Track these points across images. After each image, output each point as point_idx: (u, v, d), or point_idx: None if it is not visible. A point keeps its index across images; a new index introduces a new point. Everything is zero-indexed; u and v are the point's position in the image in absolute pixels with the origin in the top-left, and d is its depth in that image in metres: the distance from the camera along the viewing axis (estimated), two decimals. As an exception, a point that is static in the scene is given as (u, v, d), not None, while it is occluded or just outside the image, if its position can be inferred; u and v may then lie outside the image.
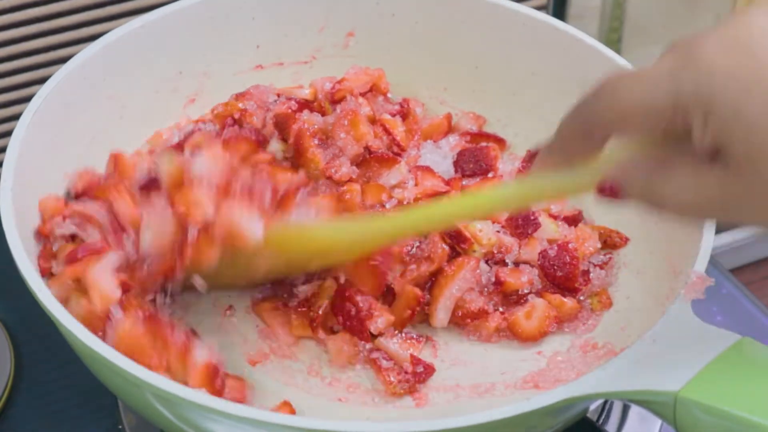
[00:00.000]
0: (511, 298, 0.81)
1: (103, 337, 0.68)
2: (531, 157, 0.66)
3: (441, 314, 0.80)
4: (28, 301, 0.70)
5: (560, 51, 0.89)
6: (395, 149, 0.87)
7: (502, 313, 0.81)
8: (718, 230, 0.75)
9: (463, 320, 0.80)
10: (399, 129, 0.88)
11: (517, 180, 0.69)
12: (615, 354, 0.73)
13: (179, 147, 0.81)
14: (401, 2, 0.93)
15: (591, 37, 0.89)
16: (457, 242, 0.81)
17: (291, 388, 0.77)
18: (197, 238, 0.72)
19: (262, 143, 0.85)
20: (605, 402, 0.84)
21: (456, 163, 0.88)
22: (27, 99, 0.83)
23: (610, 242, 0.85)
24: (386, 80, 0.93)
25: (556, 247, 0.82)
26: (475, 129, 0.93)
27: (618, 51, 0.89)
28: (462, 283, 0.80)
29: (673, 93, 0.54)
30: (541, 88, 0.91)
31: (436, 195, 0.85)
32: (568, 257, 0.81)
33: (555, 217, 0.86)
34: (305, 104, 0.89)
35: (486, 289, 0.81)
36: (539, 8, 0.92)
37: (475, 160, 0.88)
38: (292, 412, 0.74)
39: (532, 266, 0.82)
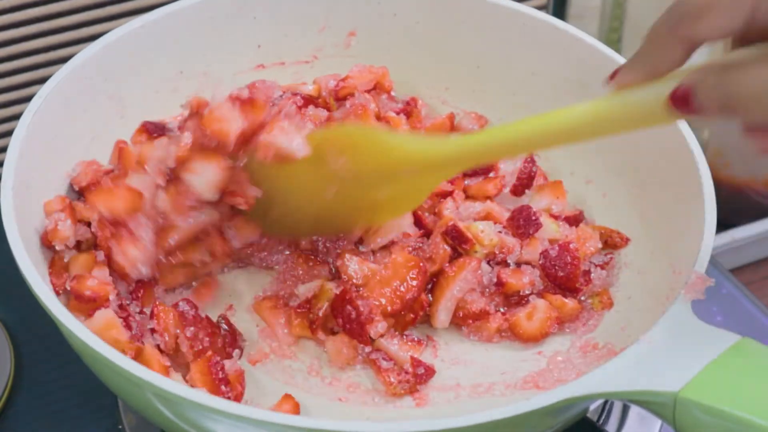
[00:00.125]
0: (512, 299, 0.81)
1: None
2: (612, 75, 0.65)
3: (442, 315, 0.80)
4: (28, 301, 0.70)
5: (561, 51, 0.89)
6: None
7: (503, 314, 0.81)
8: (718, 230, 0.75)
9: (464, 321, 0.80)
10: (403, 127, 0.89)
11: (596, 101, 0.66)
12: (615, 354, 0.73)
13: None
14: (402, 2, 0.93)
15: (591, 37, 0.89)
16: (458, 243, 0.81)
17: (291, 387, 0.77)
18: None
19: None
20: (605, 402, 0.84)
21: (457, 163, 0.88)
22: (27, 99, 0.83)
23: (611, 242, 0.85)
24: (390, 78, 0.93)
25: (557, 248, 0.82)
26: (476, 129, 0.93)
27: (618, 51, 0.89)
28: (463, 284, 0.80)
29: None
30: (542, 88, 0.91)
31: (441, 194, 0.85)
32: (569, 257, 0.81)
33: (556, 217, 0.86)
34: (310, 100, 0.89)
35: (487, 289, 0.81)
36: (539, 8, 0.92)
37: (476, 160, 0.88)
38: (295, 405, 0.74)
39: (534, 267, 0.82)
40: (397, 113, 0.90)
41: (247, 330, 0.81)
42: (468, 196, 0.87)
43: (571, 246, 0.81)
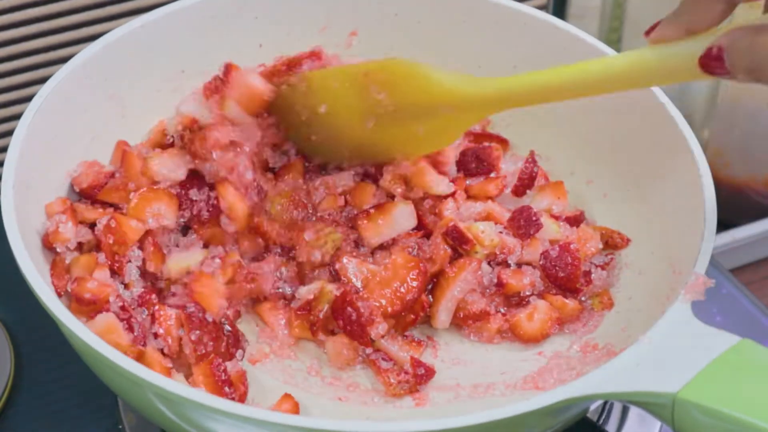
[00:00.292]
0: (513, 300, 0.81)
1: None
2: (650, 30, 0.66)
3: (443, 316, 0.80)
4: (28, 301, 0.70)
5: (561, 51, 0.89)
6: None
7: (503, 314, 0.81)
8: (718, 230, 0.75)
9: (464, 321, 0.80)
10: None
11: (630, 52, 0.67)
12: (615, 355, 0.73)
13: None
14: (403, 2, 0.93)
15: (592, 36, 0.89)
16: (459, 244, 0.81)
17: (291, 387, 0.77)
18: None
19: None
20: (605, 402, 0.84)
21: (459, 163, 0.88)
22: (27, 99, 0.83)
23: (612, 243, 0.85)
24: None
25: (557, 248, 0.82)
26: (478, 129, 0.93)
27: (618, 51, 0.88)
28: (463, 285, 0.80)
29: None
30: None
31: (443, 195, 0.85)
32: (569, 258, 0.81)
33: (557, 218, 0.86)
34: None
35: (488, 290, 0.81)
36: (539, 8, 0.92)
37: (477, 160, 0.88)
38: (295, 405, 0.74)
39: (534, 267, 0.82)
40: None
41: (247, 330, 0.81)
42: (469, 197, 0.87)
43: (571, 246, 0.81)
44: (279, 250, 0.83)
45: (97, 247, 0.79)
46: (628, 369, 0.65)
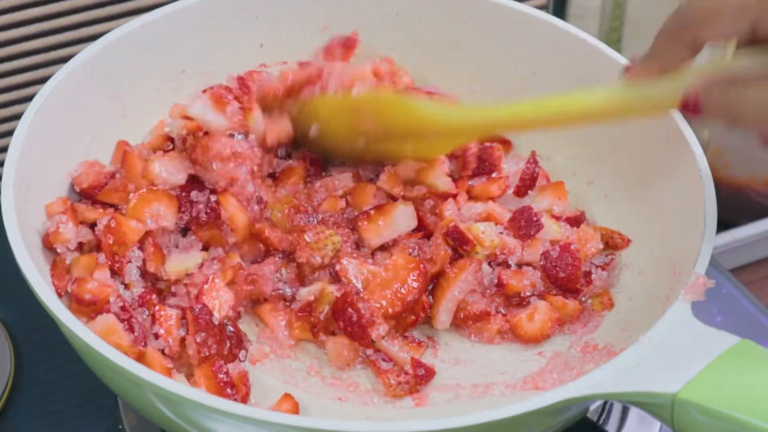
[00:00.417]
0: (513, 300, 0.81)
1: None
2: (626, 69, 0.72)
3: (443, 316, 0.80)
4: (28, 301, 0.70)
5: (562, 51, 0.89)
6: None
7: (504, 315, 0.81)
8: (719, 230, 0.75)
9: (464, 322, 0.80)
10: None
11: (613, 86, 0.72)
12: (615, 355, 0.73)
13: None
14: (404, 2, 0.93)
15: (592, 36, 0.89)
16: (459, 244, 0.81)
17: (291, 387, 0.77)
18: None
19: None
20: (605, 402, 0.84)
21: (461, 163, 0.88)
22: (27, 99, 0.83)
23: (612, 243, 0.85)
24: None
25: (558, 248, 0.81)
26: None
27: (618, 51, 0.88)
28: (464, 285, 0.80)
29: None
30: (543, 88, 0.91)
31: (444, 196, 0.85)
32: (570, 258, 0.81)
33: (557, 218, 0.86)
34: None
35: (488, 291, 0.81)
36: (539, 8, 0.92)
37: (479, 160, 0.88)
38: (295, 405, 0.74)
39: (535, 268, 0.82)
40: None
41: (247, 330, 0.81)
42: (471, 197, 0.87)
43: (572, 247, 0.81)
44: (280, 253, 0.83)
45: (98, 247, 0.79)
46: (628, 369, 0.65)
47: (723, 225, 1.39)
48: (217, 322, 0.75)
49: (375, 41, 0.95)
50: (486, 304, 0.80)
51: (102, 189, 0.81)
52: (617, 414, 0.85)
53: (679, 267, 0.75)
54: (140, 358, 0.72)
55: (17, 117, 0.79)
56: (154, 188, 0.80)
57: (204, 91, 0.86)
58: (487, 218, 0.84)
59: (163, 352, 0.75)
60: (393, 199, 0.84)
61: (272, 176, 0.86)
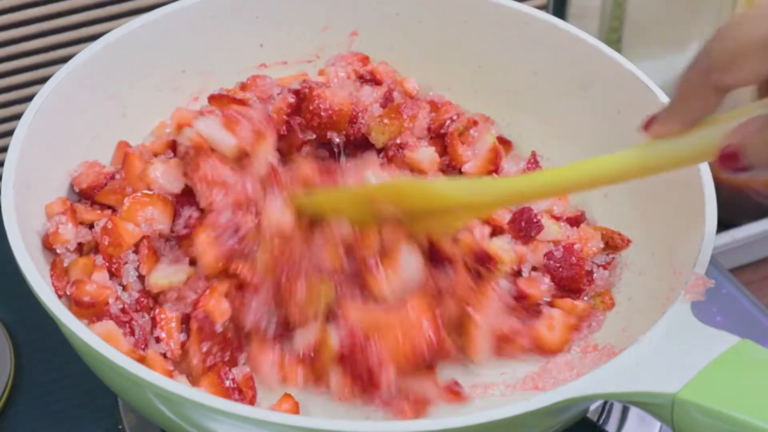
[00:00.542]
0: (531, 311, 0.80)
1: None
2: (647, 125, 0.66)
3: (483, 349, 0.77)
4: (28, 301, 0.70)
5: (562, 51, 0.89)
6: None
7: (526, 329, 0.79)
8: (718, 230, 0.75)
9: (499, 346, 0.78)
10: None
11: (635, 147, 0.66)
12: (615, 355, 0.73)
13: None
14: (405, 2, 0.93)
15: (592, 36, 0.89)
16: (482, 264, 0.79)
17: (291, 386, 0.77)
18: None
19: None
20: (605, 402, 0.84)
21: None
22: (27, 99, 0.83)
23: (612, 243, 0.85)
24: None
25: (561, 249, 0.81)
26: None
27: (618, 51, 0.88)
28: (493, 311, 0.77)
29: None
30: (543, 88, 0.91)
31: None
32: (574, 258, 0.81)
33: (558, 219, 0.86)
34: (302, 98, 0.88)
35: (508, 304, 0.79)
36: (539, 8, 0.92)
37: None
38: (295, 405, 0.74)
39: (543, 272, 0.82)
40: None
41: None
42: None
43: (575, 247, 0.81)
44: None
45: (96, 248, 0.79)
46: (628, 369, 0.65)
47: (723, 225, 1.39)
48: (219, 330, 0.75)
49: (375, 41, 0.95)
50: (513, 321, 0.78)
51: (101, 190, 0.81)
52: (617, 414, 0.85)
53: (679, 267, 0.75)
54: (141, 362, 0.71)
55: (17, 117, 0.79)
56: (150, 192, 0.79)
57: (215, 100, 0.85)
58: (486, 221, 0.84)
59: (164, 356, 0.74)
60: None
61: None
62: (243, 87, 0.89)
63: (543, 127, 0.92)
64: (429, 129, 0.88)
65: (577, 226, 0.86)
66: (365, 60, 0.93)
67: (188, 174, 0.78)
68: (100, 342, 0.65)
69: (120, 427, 0.83)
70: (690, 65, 0.62)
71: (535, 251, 0.82)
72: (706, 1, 1.36)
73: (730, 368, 0.63)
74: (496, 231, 0.84)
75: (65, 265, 0.77)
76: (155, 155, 0.84)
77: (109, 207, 0.81)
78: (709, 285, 0.70)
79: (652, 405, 0.64)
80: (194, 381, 0.74)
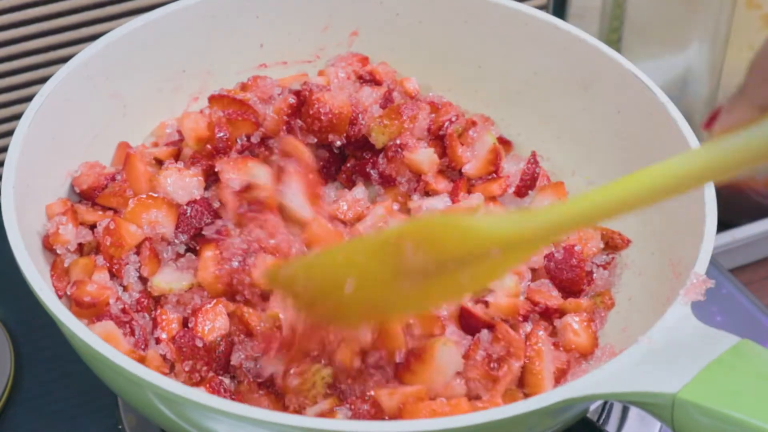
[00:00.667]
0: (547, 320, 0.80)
1: None
2: (710, 121, 0.58)
3: (548, 386, 0.75)
4: (28, 301, 0.70)
5: (562, 51, 0.89)
6: None
7: (556, 345, 0.78)
8: (718, 230, 0.75)
9: (557, 381, 0.76)
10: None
11: (699, 149, 0.58)
12: (615, 355, 0.73)
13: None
14: (405, 2, 0.93)
15: (592, 36, 0.89)
16: (547, 319, 0.78)
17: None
18: None
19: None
20: (605, 402, 0.84)
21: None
22: (27, 99, 0.83)
23: (612, 243, 0.85)
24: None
25: (562, 250, 0.81)
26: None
27: (618, 51, 0.88)
28: (549, 354, 0.75)
29: None
30: (544, 88, 0.91)
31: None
32: (574, 260, 0.80)
33: (557, 218, 0.85)
34: (303, 100, 0.88)
35: (531, 317, 0.79)
36: (539, 8, 0.92)
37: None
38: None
39: (545, 277, 0.82)
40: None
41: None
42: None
43: (575, 248, 0.81)
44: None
45: (97, 249, 0.79)
46: (628, 369, 0.65)
47: (723, 225, 1.39)
48: (202, 345, 0.73)
49: (375, 41, 0.95)
50: (560, 354, 0.77)
51: (102, 191, 0.81)
52: (617, 414, 0.85)
53: (679, 267, 0.75)
54: (141, 362, 0.71)
55: (17, 117, 0.79)
56: (156, 195, 0.79)
57: (216, 100, 0.85)
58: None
59: (164, 357, 0.74)
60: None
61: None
62: (243, 87, 0.89)
63: (543, 127, 0.92)
64: (429, 130, 0.88)
65: (577, 226, 0.85)
66: (365, 61, 0.93)
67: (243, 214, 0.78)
68: (100, 342, 0.65)
69: (120, 427, 0.83)
70: (764, 47, 0.56)
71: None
72: (706, 1, 1.36)
73: (730, 368, 0.63)
74: None
75: (66, 265, 0.77)
76: (159, 161, 0.84)
77: (110, 208, 0.81)
78: (709, 285, 0.70)
79: (652, 405, 0.64)
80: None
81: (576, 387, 0.64)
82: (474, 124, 0.90)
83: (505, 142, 0.92)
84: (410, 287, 0.66)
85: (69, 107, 0.82)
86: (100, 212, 0.81)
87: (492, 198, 0.86)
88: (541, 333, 0.76)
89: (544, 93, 0.91)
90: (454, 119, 0.88)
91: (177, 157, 0.85)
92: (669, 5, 1.41)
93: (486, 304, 0.78)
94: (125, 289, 0.78)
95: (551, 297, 0.80)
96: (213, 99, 0.86)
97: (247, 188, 0.79)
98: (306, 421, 0.64)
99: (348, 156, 0.89)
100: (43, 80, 0.81)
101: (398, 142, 0.85)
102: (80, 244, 0.79)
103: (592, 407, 0.84)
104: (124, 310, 0.75)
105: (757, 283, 1.50)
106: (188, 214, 0.79)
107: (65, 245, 0.77)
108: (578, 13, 1.35)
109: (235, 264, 0.76)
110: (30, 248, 0.71)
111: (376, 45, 0.95)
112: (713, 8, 1.36)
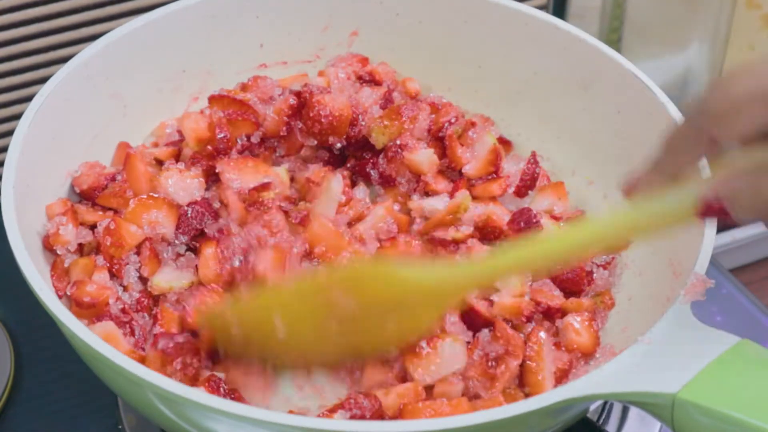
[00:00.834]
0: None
1: None
2: (629, 190, 0.64)
3: (549, 385, 0.75)
4: (28, 301, 0.70)
5: (562, 50, 0.89)
6: None
7: (557, 345, 0.78)
8: (718, 230, 0.75)
9: (558, 381, 0.76)
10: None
11: (615, 213, 0.65)
12: (615, 355, 0.73)
13: None
14: (405, 2, 0.93)
15: (592, 36, 0.89)
16: (549, 318, 0.78)
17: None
18: None
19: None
20: (605, 402, 0.84)
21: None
22: (27, 99, 0.83)
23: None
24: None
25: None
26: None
27: (618, 51, 0.88)
28: (550, 353, 0.76)
29: None
30: (544, 88, 0.91)
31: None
32: (575, 261, 0.81)
33: (558, 219, 0.86)
34: (303, 101, 0.88)
35: (534, 317, 0.79)
36: (539, 8, 0.92)
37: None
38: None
39: (546, 277, 0.82)
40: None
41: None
42: (474, 197, 0.86)
43: (576, 249, 0.81)
44: None
45: (97, 249, 0.79)
46: (628, 369, 0.65)
47: (723, 225, 1.39)
48: (184, 339, 0.72)
49: (375, 41, 0.95)
50: (562, 353, 0.77)
51: (102, 191, 0.81)
52: (617, 414, 0.85)
53: (679, 267, 0.75)
54: (141, 362, 0.71)
55: (17, 117, 0.79)
56: (156, 195, 0.79)
57: (216, 101, 0.85)
58: (487, 221, 0.83)
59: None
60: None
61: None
62: (244, 87, 0.89)
63: (543, 127, 0.92)
64: (429, 131, 0.88)
65: (578, 226, 0.85)
66: (365, 61, 0.93)
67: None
68: (100, 342, 0.65)
69: (120, 427, 0.83)
70: (686, 120, 0.60)
71: None
72: (706, 1, 1.36)
73: (730, 368, 0.63)
74: (495, 233, 0.83)
75: (66, 265, 0.77)
76: (159, 161, 0.84)
77: (111, 208, 0.81)
78: (709, 285, 0.70)
79: (652, 405, 0.64)
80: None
81: (576, 387, 0.64)
82: (473, 124, 0.90)
83: (505, 142, 0.92)
84: (341, 331, 0.69)
85: (69, 107, 0.82)
86: (101, 212, 0.81)
87: (492, 198, 0.86)
88: (542, 333, 0.76)
89: (544, 93, 0.91)
90: (453, 120, 0.88)
91: (177, 157, 0.85)
92: (669, 5, 1.41)
93: (491, 302, 0.78)
94: (125, 289, 0.78)
95: (553, 297, 0.80)
96: (213, 99, 0.86)
97: (260, 188, 0.80)
98: (306, 421, 0.64)
99: (348, 156, 0.89)
100: (43, 80, 0.81)
101: (398, 142, 0.85)
102: (80, 245, 0.79)
103: (592, 407, 0.84)
104: (124, 310, 0.75)
105: (757, 283, 1.50)
106: (189, 215, 0.79)
107: (65, 245, 0.77)
108: (578, 13, 1.35)
109: (236, 263, 0.77)
110: (30, 248, 0.71)
111: (376, 45, 0.95)
112: (713, 8, 1.36)
